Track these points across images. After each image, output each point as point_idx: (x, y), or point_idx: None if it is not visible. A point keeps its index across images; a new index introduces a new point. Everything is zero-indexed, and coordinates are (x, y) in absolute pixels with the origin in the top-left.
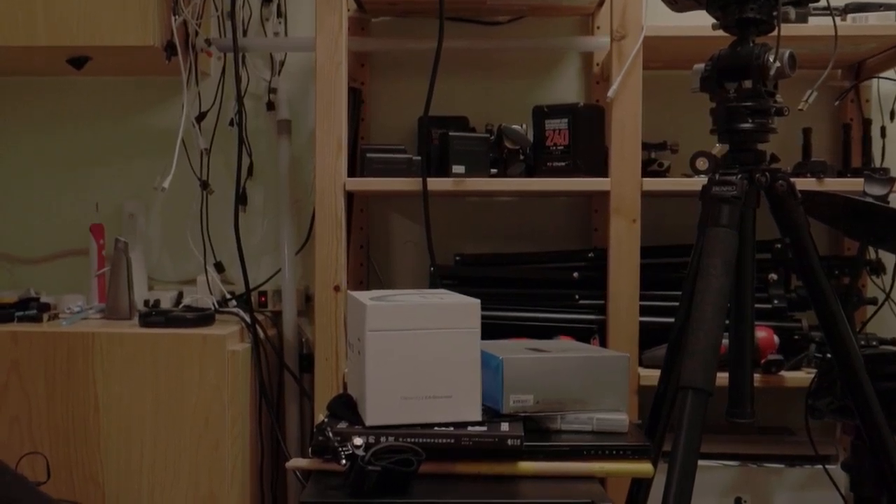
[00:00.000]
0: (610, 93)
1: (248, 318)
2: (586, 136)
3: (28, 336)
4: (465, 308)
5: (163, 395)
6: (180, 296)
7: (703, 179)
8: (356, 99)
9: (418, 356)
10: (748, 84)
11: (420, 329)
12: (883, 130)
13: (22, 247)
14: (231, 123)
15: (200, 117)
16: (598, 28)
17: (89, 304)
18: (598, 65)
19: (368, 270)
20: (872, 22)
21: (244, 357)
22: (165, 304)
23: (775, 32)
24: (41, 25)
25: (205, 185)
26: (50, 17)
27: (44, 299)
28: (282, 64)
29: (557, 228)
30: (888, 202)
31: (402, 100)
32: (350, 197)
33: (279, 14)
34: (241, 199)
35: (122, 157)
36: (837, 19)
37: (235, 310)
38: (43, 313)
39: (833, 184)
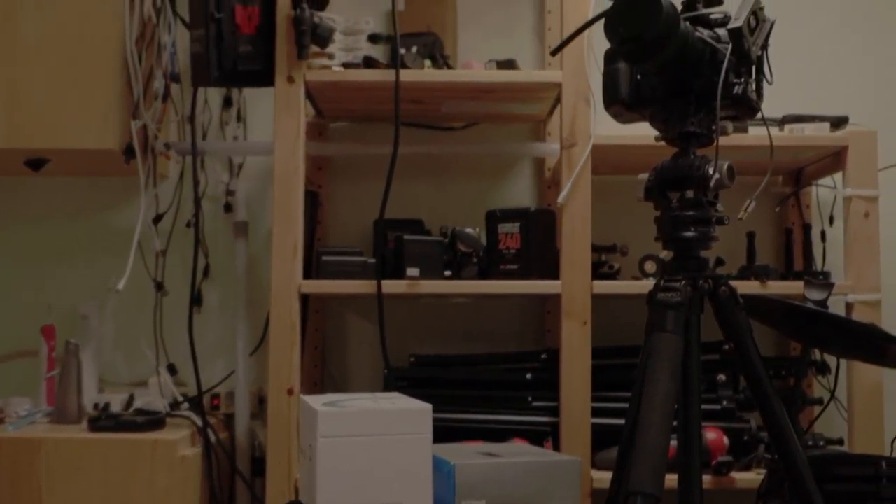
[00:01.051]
0: (560, 198)
1: (199, 422)
2: (538, 240)
3: None
4: (416, 414)
5: (111, 501)
6: (131, 398)
7: (652, 282)
8: (313, 201)
9: (370, 463)
10: (690, 194)
11: (371, 435)
12: (823, 235)
13: None
14: (188, 225)
15: (157, 219)
16: (550, 134)
17: (38, 408)
18: (549, 169)
19: (324, 372)
20: (808, 132)
21: (195, 462)
22: (116, 406)
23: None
24: (1, 128)
25: (159, 286)
26: (11, 119)
27: None
28: (240, 166)
29: (511, 329)
30: (828, 306)
31: (358, 202)
32: (305, 299)
33: (239, 118)
34: (196, 300)
35: (78, 257)
36: (775, 130)
37: (187, 413)
38: None
39: (776, 287)
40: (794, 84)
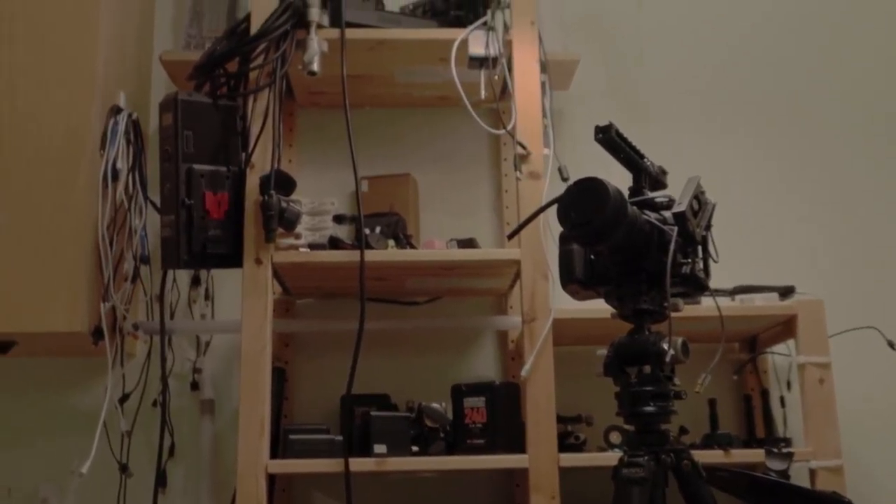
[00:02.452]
0: (523, 372)
1: None
2: (504, 414)
3: None
4: None
5: None
6: None
7: (618, 453)
8: (280, 378)
9: None
10: (648, 370)
11: None
12: (782, 400)
13: None
14: (154, 404)
15: (123, 399)
16: (511, 307)
17: None
18: (512, 341)
19: None
20: (758, 303)
21: None
22: None
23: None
24: None
25: (124, 468)
26: None
27: None
28: (207, 344)
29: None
30: (789, 475)
31: (325, 378)
32: (272, 478)
33: (206, 296)
34: (160, 480)
35: (40, 438)
36: (727, 300)
37: None
38: None
39: (740, 455)
40: (741, 255)
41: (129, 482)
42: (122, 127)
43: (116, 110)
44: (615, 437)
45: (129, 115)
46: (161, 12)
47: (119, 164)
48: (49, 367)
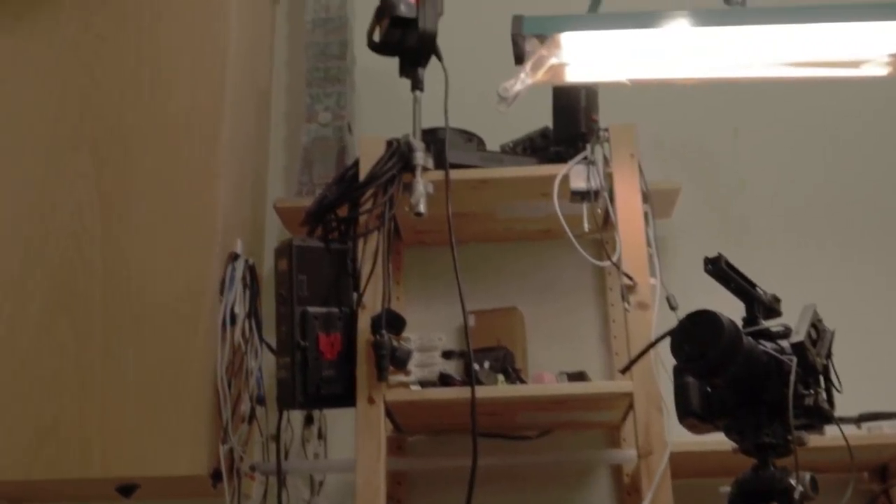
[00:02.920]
0: None
1: None
2: None
3: None
4: None
5: None
6: None
7: None
8: None
9: None
10: None
11: None
12: None
13: None
14: None
15: None
16: (625, 440)
17: None
18: (627, 475)
19: None
20: (887, 430)
21: None
22: None
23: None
24: (96, 459)
25: None
26: (106, 450)
27: None
28: (321, 483)
29: None
30: None
31: None
32: None
33: (319, 436)
34: None
35: None
36: (853, 429)
37: None
38: None
39: None
40: (864, 381)
41: None
42: (239, 273)
43: (234, 257)
44: None
45: (246, 261)
46: (274, 161)
47: (237, 309)
48: None
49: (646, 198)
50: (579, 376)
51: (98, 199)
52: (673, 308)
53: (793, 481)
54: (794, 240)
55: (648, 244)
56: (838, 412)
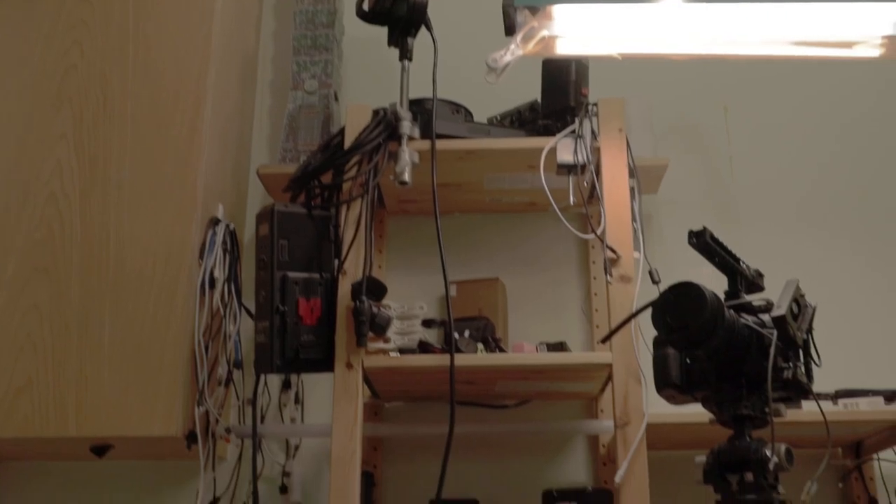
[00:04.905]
0: (617, 478)
1: None
2: None
3: None
4: None
5: None
6: None
7: None
8: (368, 482)
9: None
10: (750, 477)
11: None
12: None
13: None
14: None
15: (214, 501)
16: (602, 411)
17: None
18: (604, 446)
19: None
20: (863, 407)
21: None
22: None
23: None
24: (71, 418)
25: None
26: (80, 409)
27: None
28: (296, 448)
29: None
30: None
31: (413, 482)
32: None
33: (296, 400)
34: None
35: None
36: (829, 405)
37: None
38: None
39: None
40: (843, 358)
41: None
42: (219, 238)
43: (215, 222)
44: None
45: (227, 226)
46: (258, 129)
47: (216, 273)
48: (142, 469)
49: (632, 172)
50: (559, 346)
51: (77, 160)
52: (655, 282)
53: (768, 452)
54: (779, 217)
55: (633, 219)
56: (816, 389)
